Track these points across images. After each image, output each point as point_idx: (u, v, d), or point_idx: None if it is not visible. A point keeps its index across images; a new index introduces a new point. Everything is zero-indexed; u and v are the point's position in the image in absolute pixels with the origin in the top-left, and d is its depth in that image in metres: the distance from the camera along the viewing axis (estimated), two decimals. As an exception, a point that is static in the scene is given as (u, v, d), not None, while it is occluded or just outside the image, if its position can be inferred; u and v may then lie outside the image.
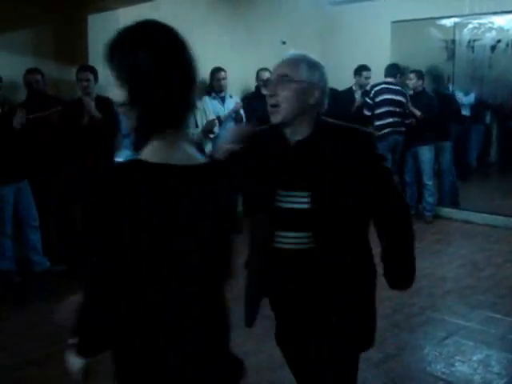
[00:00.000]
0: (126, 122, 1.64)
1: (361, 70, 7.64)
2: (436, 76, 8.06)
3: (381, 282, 5.04)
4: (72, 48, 6.30)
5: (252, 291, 2.39)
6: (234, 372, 1.74)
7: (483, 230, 7.14)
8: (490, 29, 8.17)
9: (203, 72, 7.44)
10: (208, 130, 6.64)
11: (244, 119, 7.18)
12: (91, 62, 6.05)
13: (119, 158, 1.43)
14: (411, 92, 7.40)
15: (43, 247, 5.57)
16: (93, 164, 5.68)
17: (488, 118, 9.53)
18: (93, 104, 5.64)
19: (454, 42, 8.31)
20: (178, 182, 1.52)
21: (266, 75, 7.29)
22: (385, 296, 4.99)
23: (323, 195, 2.15)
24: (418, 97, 7.30)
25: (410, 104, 7.23)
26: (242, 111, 7.11)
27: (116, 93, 1.61)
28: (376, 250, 2.36)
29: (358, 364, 2.39)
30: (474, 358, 3.89)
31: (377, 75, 7.46)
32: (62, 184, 5.66)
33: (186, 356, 1.57)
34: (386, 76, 7.33)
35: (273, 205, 2.20)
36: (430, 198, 7.50)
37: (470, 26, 8.31)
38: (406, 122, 7.28)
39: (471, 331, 4.32)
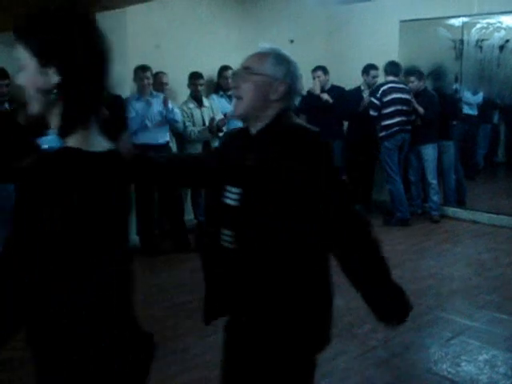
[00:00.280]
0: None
1: (368, 69, 7.64)
2: (439, 75, 8.04)
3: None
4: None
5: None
6: (143, 347, 1.74)
7: (490, 230, 7.13)
8: (499, 28, 8.13)
9: (211, 70, 7.50)
10: (217, 128, 6.65)
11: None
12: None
13: (45, 145, 1.40)
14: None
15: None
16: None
17: (496, 118, 9.50)
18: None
19: (462, 41, 8.27)
20: (106, 169, 1.58)
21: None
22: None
23: (253, 193, 2.04)
24: (419, 96, 7.29)
25: (414, 101, 7.22)
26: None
27: (38, 79, 1.57)
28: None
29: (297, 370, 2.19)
30: (480, 358, 3.88)
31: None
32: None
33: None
34: (388, 74, 7.29)
35: (218, 200, 2.14)
36: (434, 197, 7.49)
37: (479, 25, 8.27)
38: (412, 119, 7.28)
39: (477, 331, 4.31)
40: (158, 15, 6.65)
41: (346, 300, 4.88)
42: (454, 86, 8.22)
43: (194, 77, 6.70)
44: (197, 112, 6.69)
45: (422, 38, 8.19)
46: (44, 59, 1.53)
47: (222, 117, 6.72)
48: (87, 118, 1.59)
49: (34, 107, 1.63)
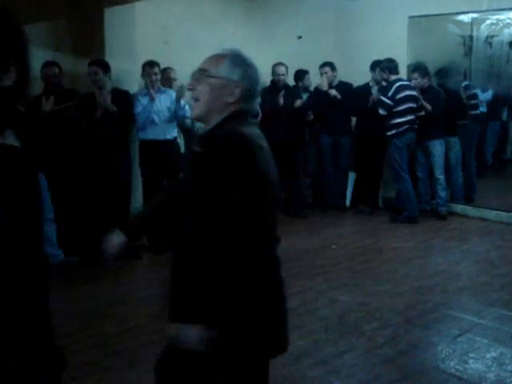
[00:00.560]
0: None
1: (376, 65, 7.60)
2: (448, 72, 8.00)
3: (395, 277, 5.03)
4: (88, 42, 6.33)
5: None
6: (55, 362, 1.72)
7: (498, 227, 7.10)
8: (508, 25, 8.09)
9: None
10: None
11: (260, 114, 7.18)
12: (107, 56, 6.09)
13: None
14: None
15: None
16: (107, 156, 5.74)
17: (505, 115, 9.46)
18: (109, 97, 5.67)
19: (471, 37, 8.24)
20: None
21: (282, 70, 7.31)
22: (398, 292, 5.01)
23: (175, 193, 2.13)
24: (424, 93, 7.25)
25: (421, 97, 7.18)
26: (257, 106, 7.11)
27: None
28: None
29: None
30: (488, 356, 3.87)
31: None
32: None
33: None
34: (391, 73, 7.22)
35: None
36: (442, 193, 7.46)
37: (488, 21, 8.23)
38: (418, 117, 7.25)
39: (485, 329, 4.29)
40: (167, 11, 6.65)
41: (353, 297, 4.90)
42: (464, 84, 8.18)
43: (202, 73, 6.68)
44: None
45: (431, 34, 8.16)
46: None
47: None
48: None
49: None
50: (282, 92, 7.22)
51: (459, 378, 3.60)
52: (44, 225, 5.45)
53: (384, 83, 7.34)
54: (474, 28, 8.20)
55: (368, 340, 4.14)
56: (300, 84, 7.87)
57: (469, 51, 8.31)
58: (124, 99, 5.76)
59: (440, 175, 7.42)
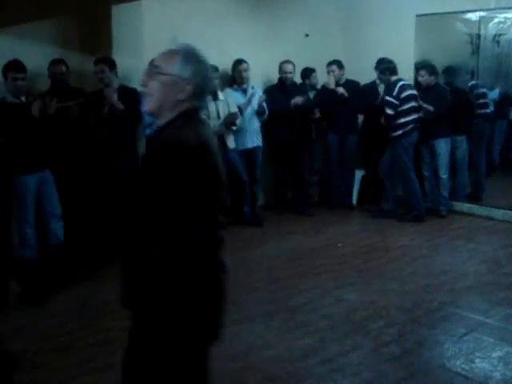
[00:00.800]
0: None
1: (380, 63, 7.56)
2: (455, 70, 7.97)
3: (402, 276, 5.03)
4: (96, 39, 6.34)
5: None
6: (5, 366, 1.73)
7: (505, 226, 7.07)
8: (516, 23, 8.07)
9: (226, 64, 7.50)
10: (230, 122, 6.66)
11: (266, 111, 7.19)
12: (114, 54, 6.10)
13: None
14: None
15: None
16: (114, 154, 5.74)
17: (512, 114, 9.42)
18: (115, 95, 5.68)
19: (479, 36, 8.21)
20: None
21: (289, 67, 7.31)
22: (404, 290, 5.00)
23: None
24: (430, 90, 7.23)
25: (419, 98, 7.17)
26: (264, 104, 7.11)
27: None
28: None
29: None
30: (494, 355, 3.86)
31: (402, 69, 7.39)
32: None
33: None
34: (391, 74, 7.17)
35: None
36: (444, 192, 7.44)
37: (496, 20, 8.20)
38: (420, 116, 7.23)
39: (491, 328, 4.29)
40: (173, 8, 6.65)
41: (360, 296, 4.90)
42: (471, 84, 8.15)
43: (209, 70, 6.69)
44: (211, 105, 6.69)
45: (439, 32, 8.13)
46: None
47: (237, 111, 6.73)
48: None
49: None
50: (301, 98, 7.21)
51: (465, 377, 3.60)
52: (52, 222, 5.47)
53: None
54: (482, 26, 8.17)
55: (374, 338, 4.14)
56: (307, 82, 7.87)
57: (476, 50, 8.28)
58: (131, 97, 5.76)
59: (444, 174, 7.39)
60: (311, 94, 7.64)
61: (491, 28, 8.25)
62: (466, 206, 7.67)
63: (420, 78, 7.28)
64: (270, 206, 7.77)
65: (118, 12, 6.29)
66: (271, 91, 7.36)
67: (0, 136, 5.00)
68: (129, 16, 6.31)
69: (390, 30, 8.04)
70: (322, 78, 7.74)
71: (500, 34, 8.22)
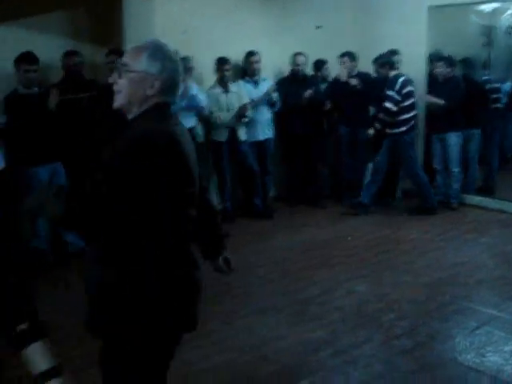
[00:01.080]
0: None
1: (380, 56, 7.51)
2: (468, 62, 7.91)
3: (414, 269, 5.03)
4: (107, 31, 6.35)
5: None
6: None
7: (518, 219, 7.04)
8: (530, 15, 8.02)
9: (237, 56, 7.48)
10: (241, 114, 6.66)
11: (278, 103, 7.17)
12: (126, 45, 6.10)
13: None
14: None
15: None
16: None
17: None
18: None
19: (491, 27, 8.16)
20: None
21: (302, 59, 7.28)
22: (416, 283, 5.00)
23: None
24: (447, 82, 7.18)
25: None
26: (274, 94, 7.08)
27: None
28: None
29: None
30: (506, 349, 3.85)
31: (413, 62, 7.35)
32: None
33: None
34: (391, 68, 7.14)
35: None
36: (455, 185, 7.41)
37: (509, 11, 8.15)
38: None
39: (503, 322, 4.28)
40: (185, 1, 6.63)
41: (372, 288, 4.90)
42: (484, 78, 8.10)
43: (221, 62, 6.69)
44: (222, 97, 6.69)
45: (451, 24, 8.07)
46: None
47: (247, 102, 6.73)
48: None
49: None
50: (310, 91, 7.18)
51: (476, 371, 3.60)
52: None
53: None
54: (495, 18, 8.12)
55: (386, 331, 4.14)
56: (319, 74, 7.84)
57: (489, 41, 8.23)
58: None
59: (455, 168, 7.36)
60: (323, 86, 7.61)
61: (504, 20, 8.20)
62: (476, 199, 7.63)
63: (437, 70, 7.24)
64: (281, 198, 7.76)
65: (129, 3, 6.29)
66: (283, 83, 7.33)
67: (12, 127, 5.02)
68: (140, 7, 6.30)
69: (402, 22, 7.98)
70: (334, 70, 7.71)
71: (513, 26, 8.17)
